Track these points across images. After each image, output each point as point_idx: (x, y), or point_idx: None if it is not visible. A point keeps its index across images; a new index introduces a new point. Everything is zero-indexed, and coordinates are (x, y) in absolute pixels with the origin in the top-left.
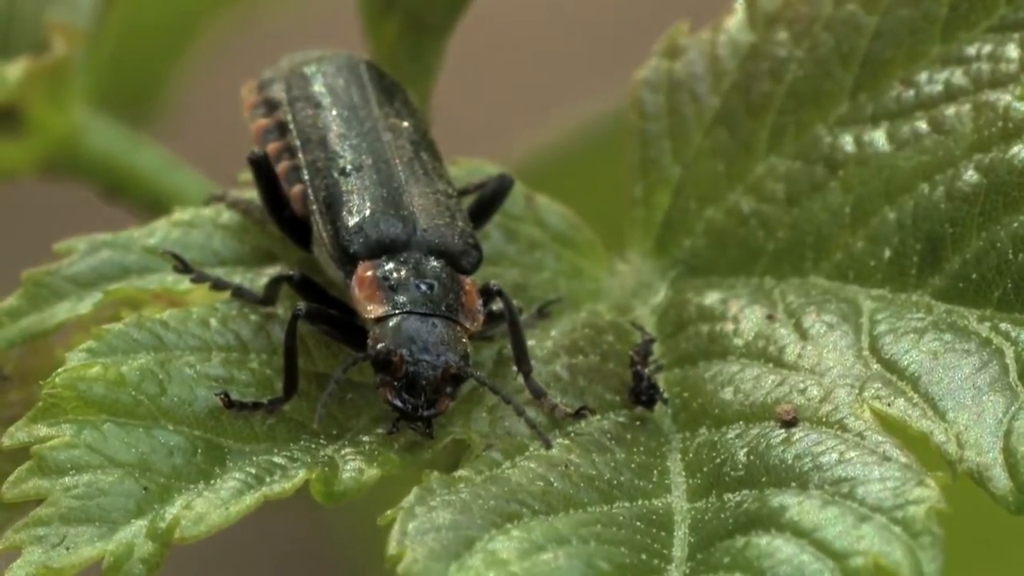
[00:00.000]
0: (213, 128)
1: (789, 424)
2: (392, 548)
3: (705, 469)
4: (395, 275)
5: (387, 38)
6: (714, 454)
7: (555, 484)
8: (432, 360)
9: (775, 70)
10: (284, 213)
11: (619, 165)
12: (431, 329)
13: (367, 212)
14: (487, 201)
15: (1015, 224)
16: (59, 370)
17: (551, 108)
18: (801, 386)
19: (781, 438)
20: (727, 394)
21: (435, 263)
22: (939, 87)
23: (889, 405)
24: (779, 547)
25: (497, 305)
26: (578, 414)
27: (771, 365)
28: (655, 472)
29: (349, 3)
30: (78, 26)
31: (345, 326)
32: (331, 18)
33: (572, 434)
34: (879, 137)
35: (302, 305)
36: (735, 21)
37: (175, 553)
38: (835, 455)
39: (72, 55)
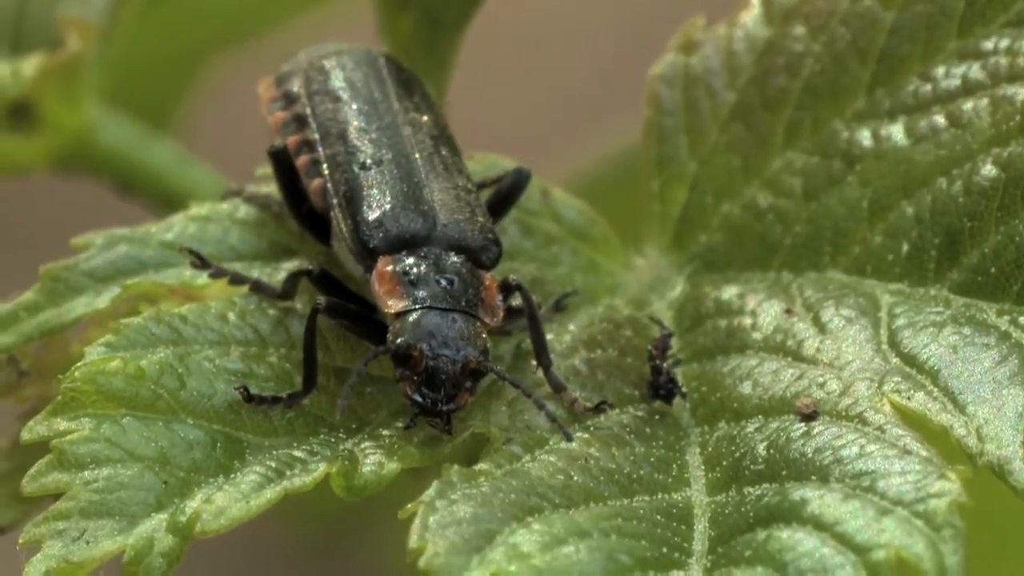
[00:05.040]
0: (224, 126)
1: (809, 418)
2: (413, 542)
3: (724, 463)
4: (415, 270)
5: (402, 33)
6: (733, 448)
7: (575, 478)
8: (452, 355)
9: (792, 65)
10: (303, 207)
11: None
12: (451, 324)
13: (387, 207)
14: (504, 195)
15: None
16: (78, 364)
17: (575, 130)
18: (820, 380)
19: (801, 432)
20: (746, 388)
21: (455, 258)
22: (956, 81)
23: (909, 399)
24: (801, 540)
25: (516, 300)
26: (598, 408)
27: (790, 359)
28: (674, 466)
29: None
30: (91, 22)
31: (365, 321)
32: (345, 13)
33: (591, 428)
34: (896, 131)
35: (322, 299)
36: (751, 16)
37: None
38: (855, 448)
39: (85, 51)
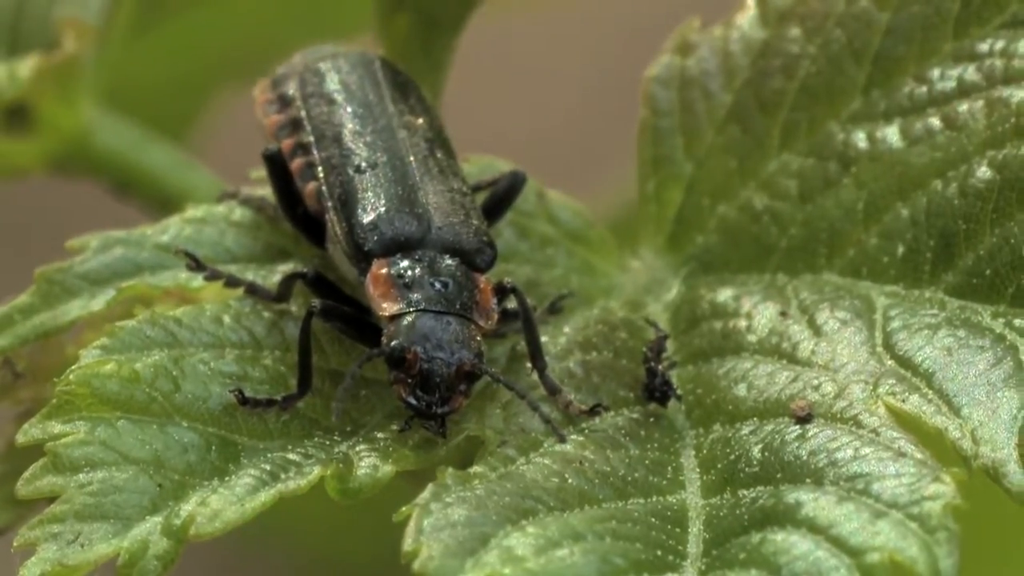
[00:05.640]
0: (220, 128)
1: (804, 420)
2: (408, 545)
3: (719, 465)
4: (410, 273)
5: (398, 34)
6: (728, 450)
7: (570, 480)
8: (446, 357)
9: (787, 67)
10: (298, 210)
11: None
12: (445, 327)
13: (382, 210)
14: (500, 198)
15: None
16: (73, 367)
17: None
18: (815, 382)
19: (796, 434)
20: (741, 390)
21: (450, 261)
22: (952, 83)
23: (903, 401)
24: (795, 543)
25: (511, 303)
26: (592, 411)
27: (785, 361)
28: (669, 468)
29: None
30: (88, 23)
31: (359, 323)
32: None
33: (586, 430)
34: (892, 134)
35: (317, 302)
36: (747, 17)
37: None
38: (850, 451)
39: (82, 52)
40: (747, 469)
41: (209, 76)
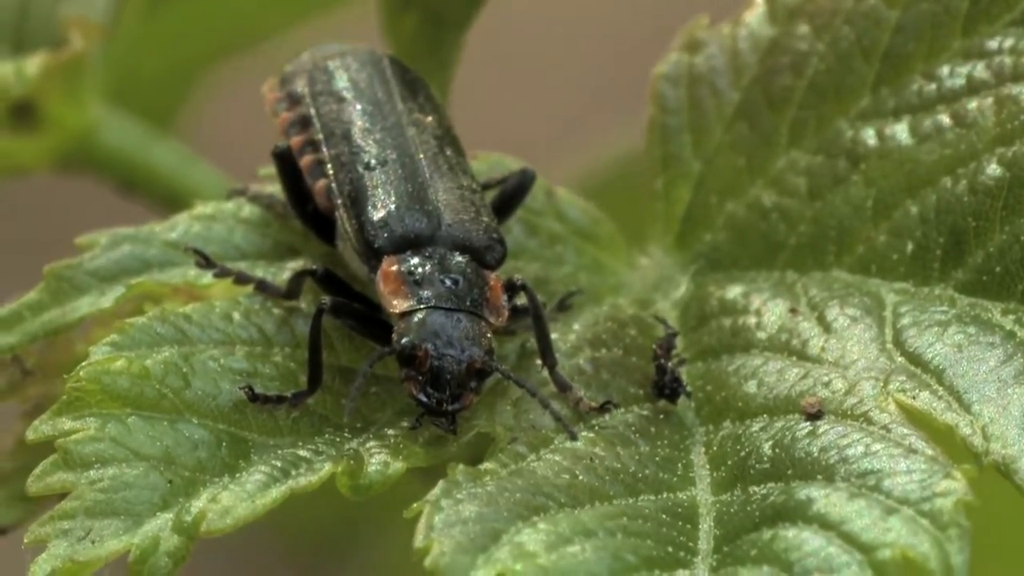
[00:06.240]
0: (228, 126)
1: (814, 417)
2: (419, 541)
3: (730, 462)
4: (420, 270)
5: (405, 33)
6: (738, 447)
7: (580, 477)
8: (457, 355)
9: (796, 64)
10: (307, 207)
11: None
12: (456, 324)
13: (392, 207)
14: (509, 196)
15: None
16: (83, 363)
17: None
18: (825, 379)
19: (806, 431)
20: (751, 387)
21: (460, 258)
22: (961, 81)
23: (914, 398)
24: (806, 539)
25: (521, 299)
26: (603, 408)
27: (795, 358)
28: (679, 465)
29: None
30: (94, 21)
31: (369, 320)
32: (353, 19)
33: (596, 427)
34: (901, 131)
35: (327, 299)
36: (755, 15)
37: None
38: (861, 448)
39: (88, 50)
40: (757, 466)
41: (201, 61)
